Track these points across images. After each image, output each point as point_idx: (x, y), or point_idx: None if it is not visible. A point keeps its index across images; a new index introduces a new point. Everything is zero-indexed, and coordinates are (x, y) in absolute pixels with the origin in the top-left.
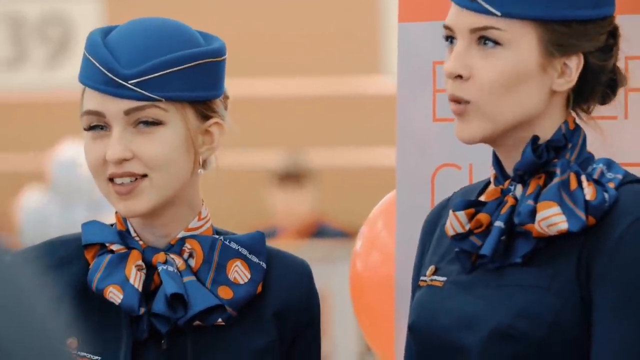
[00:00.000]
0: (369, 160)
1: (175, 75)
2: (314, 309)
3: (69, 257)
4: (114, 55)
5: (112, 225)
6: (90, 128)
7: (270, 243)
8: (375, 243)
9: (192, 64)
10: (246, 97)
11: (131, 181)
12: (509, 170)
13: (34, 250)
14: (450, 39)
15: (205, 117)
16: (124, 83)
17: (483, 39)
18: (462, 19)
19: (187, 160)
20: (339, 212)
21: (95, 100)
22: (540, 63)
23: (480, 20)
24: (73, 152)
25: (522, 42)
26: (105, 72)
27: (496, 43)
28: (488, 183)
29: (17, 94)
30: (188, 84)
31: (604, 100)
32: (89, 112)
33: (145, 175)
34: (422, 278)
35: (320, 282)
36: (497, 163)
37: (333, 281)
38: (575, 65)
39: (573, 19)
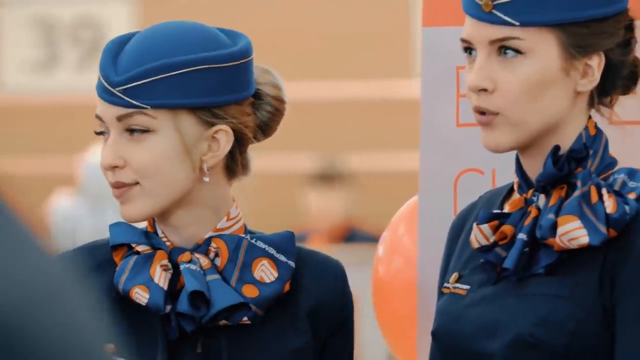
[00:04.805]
0: (401, 164)
1: (164, 82)
2: (347, 309)
3: (100, 263)
4: (114, 61)
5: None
6: (99, 133)
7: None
8: (397, 248)
9: (186, 70)
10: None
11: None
12: (533, 178)
13: (64, 257)
14: (469, 50)
15: (209, 124)
16: (112, 90)
17: (503, 48)
18: (480, 31)
19: (183, 168)
20: (371, 216)
21: (99, 106)
22: (562, 67)
23: (499, 32)
24: None
25: (542, 48)
26: (101, 78)
27: (517, 52)
28: (512, 188)
29: (48, 97)
30: (181, 90)
31: (626, 92)
32: (96, 117)
33: (137, 183)
34: (445, 285)
35: (350, 286)
36: (520, 170)
37: (363, 285)
38: (596, 64)
39: (590, 18)
